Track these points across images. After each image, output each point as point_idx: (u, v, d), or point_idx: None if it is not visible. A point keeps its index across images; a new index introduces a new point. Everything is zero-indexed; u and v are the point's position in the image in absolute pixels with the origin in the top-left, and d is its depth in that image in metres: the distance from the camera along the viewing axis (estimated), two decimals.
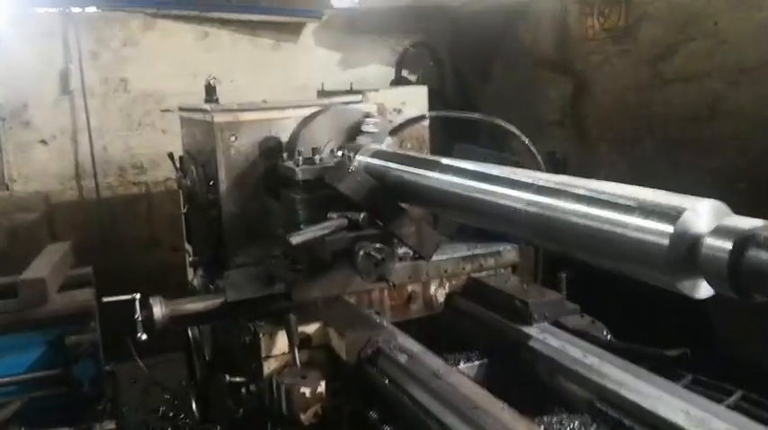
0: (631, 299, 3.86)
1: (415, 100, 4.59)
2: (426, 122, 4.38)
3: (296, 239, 2.86)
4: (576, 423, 2.50)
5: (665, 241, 1.67)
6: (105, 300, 3.24)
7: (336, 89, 5.39)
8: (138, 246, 6.33)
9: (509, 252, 3.68)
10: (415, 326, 3.42)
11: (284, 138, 3.86)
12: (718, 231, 1.61)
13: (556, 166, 4.19)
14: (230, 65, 6.14)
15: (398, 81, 6.52)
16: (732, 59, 3.97)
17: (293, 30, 6.47)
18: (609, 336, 2.98)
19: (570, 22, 5.26)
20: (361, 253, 2.88)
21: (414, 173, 2.83)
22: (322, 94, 5.47)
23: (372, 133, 3.64)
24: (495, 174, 2.38)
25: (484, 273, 3.62)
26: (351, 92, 5.05)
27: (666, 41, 4.39)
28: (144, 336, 3.12)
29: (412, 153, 3.20)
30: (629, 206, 1.81)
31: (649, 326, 3.35)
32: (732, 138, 4.04)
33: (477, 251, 3.64)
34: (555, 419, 2.54)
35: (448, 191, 2.56)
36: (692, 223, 1.66)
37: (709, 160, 4.13)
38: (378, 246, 2.90)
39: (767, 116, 3.84)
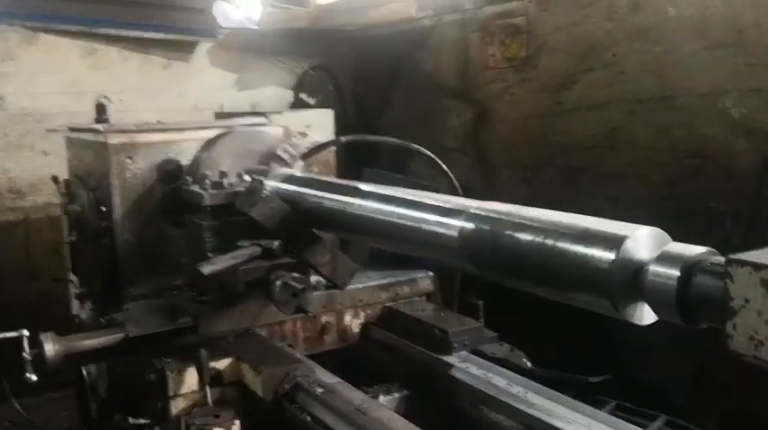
0: (544, 324, 3.90)
1: (320, 123, 4.51)
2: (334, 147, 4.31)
3: (207, 269, 2.68)
4: None
5: (608, 267, 1.65)
6: None
7: (235, 111, 5.23)
8: (13, 278, 5.84)
9: (424, 280, 3.64)
10: (328, 359, 3.29)
11: (184, 161, 3.67)
12: (663, 258, 1.60)
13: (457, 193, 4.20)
14: (119, 83, 5.82)
15: (297, 104, 6.43)
16: (630, 90, 4.13)
17: (186, 48, 6.23)
18: (528, 364, 2.97)
19: (472, 51, 5.33)
20: (278, 283, 2.74)
21: (333, 199, 2.73)
22: (221, 115, 5.29)
23: (284, 158, 3.52)
24: (425, 200, 2.32)
25: (400, 302, 3.54)
26: (253, 114, 4.91)
27: (567, 71, 4.51)
28: (34, 377, 2.83)
29: (328, 178, 3.09)
30: (571, 234, 1.79)
31: (563, 352, 3.36)
32: (630, 166, 4.19)
33: (393, 279, 3.57)
34: None
35: (373, 218, 2.47)
36: (635, 250, 1.66)
37: (609, 188, 4.25)
38: (296, 275, 2.77)
39: (662, 146, 4.00)
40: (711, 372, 3.66)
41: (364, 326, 3.49)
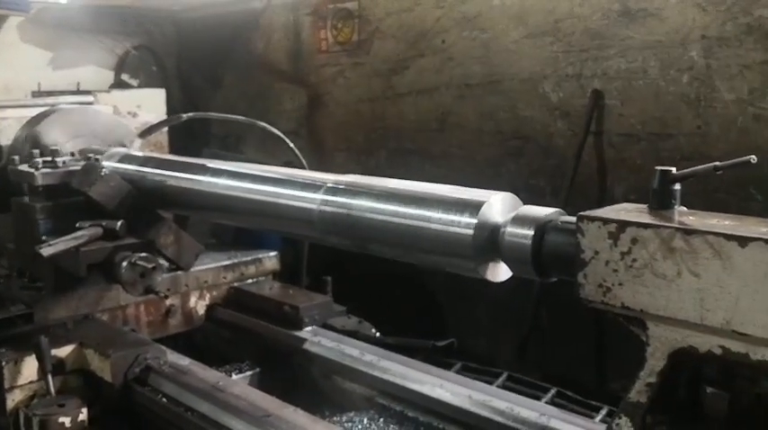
0: (384, 296, 4.04)
1: (151, 103, 4.34)
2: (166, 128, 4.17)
3: (47, 251, 2.52)
4: (365, 420, 2.53)
5: (469, 232, 1.77)
6: None
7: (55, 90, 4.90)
8: None
9: (270, 259, 3.64)
10: (172, 343, 3.20)
11: (3, 141, 3.42)
12: (518, 220, 1.75)
13: None
14: None
15: (119, 85, 6.11)
16: (458, 75, 4.35)
17: None
18: (377, 334, 3.07)
19: (304, 34, 5.36)
20: (125, 263, 2.63)
21: (180, 177, 2.67)
22: (39, 94, 4.94)
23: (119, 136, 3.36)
24: (282, 176, 2.34)
25: (246, 282, 3.52)
26: (78, 92, 4.64)
27: (398, 56, 4.67)
28: None
29: (172, 157, 3.00)
30: (429, 201, 1.90)
31: (404, 320, 3.52)
32: (458, 148, 4.42)
33: (238, 259, 3.54)
34: (344, 418, 2.54)
35: (226, 195, 2.45)
36: (491, 214, 1.79)
37: (439, 168, 4.46)
38: (143, 255, 2.68)
39: (488, 128, 4.27)
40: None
41: (210, 308, 3.44)
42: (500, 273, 1.84)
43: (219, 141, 6.05)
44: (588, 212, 1.57)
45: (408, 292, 4.46)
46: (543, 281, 1.77)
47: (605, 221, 1.52)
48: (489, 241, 1.77)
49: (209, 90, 6.34)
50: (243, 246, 3.69)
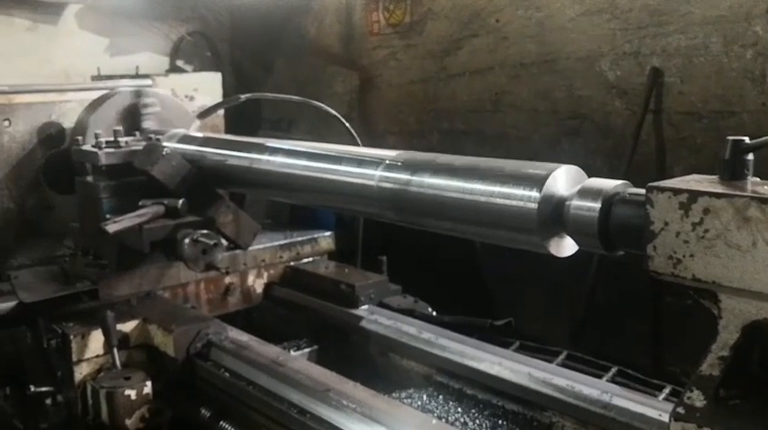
0: (437, 276, 4.04)
1: (208, 87, 4.41)
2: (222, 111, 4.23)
3: (112, 228, 2.58)
4: (424, 396, 2.54)
5: (534, 206, 1.75)
6: None
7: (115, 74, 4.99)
8: None
9: (325, 239, 3.67)
10: (231, 321, 3.26)
11: (67, 124, 3.50)
12: (584, 193, 1.72)
13: None
14: None
15: (173, 70, 6.19)
16: (513, 54, 4.31)
17: (53, 10, 5.84)
18: (434, 313, 3.07)
19: (356, 17, 5.36)
20: (187, 240, 2.68)
21: (239, 156, 2.70)
22: (98, 78, 5.04)
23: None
24: (340, 153, 2.34)
25: (301, 262, 3.55)
26: (137, 76, 4.72)
27: (451, 37, 4.64)
28: None
29: (230, 136, 3.04)
30: (491, 175, 1.88)
31: (457, 301, 3.51)
32: (513, 128, 4.38)
33: (294, 239, 3.57)
34: (403, 395, 2.56)
35: (284, 173, 2.47)
36: (555, 187, 1.77)
37: (493, 149, 4.42)
38: (205, 232, 2.73)
39: (543, 108, 4.22)
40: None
41: (267, 286, 3.49)
42: (565, 247, 1.82)
43: (271, 125, 6.10)
44: (658, 183, 1.55)
45: (461, 273, 4.45)
46: (610, 254, 1.74)
47: (676, 192, 1.49)
48: (554, 215, 1.75)
49: (261, 75, 6.39)
50: (298, 226, 3.73)
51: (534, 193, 1.75)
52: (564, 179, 1.79)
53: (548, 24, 4.13)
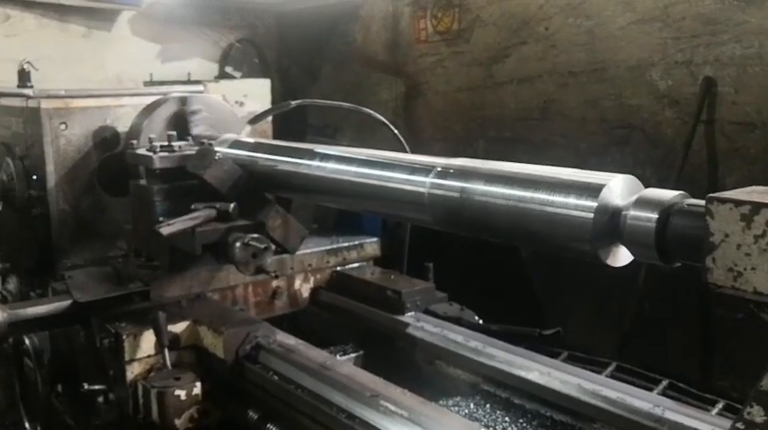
0: (482, 285, 4.03)
1: (258, 93, 4.46)
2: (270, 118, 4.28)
3: (166, 230, 2.63)
4: (471, 405, 2.53)
5: (589, 215, 1.73)
6: None
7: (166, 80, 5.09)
8: None
9: (371, 245, 3.68)
10: (277, 324, 3.29)
11: (121, 128, 3.57)
12: (640, 203, 1.70)
13: None
14: (35, 52, 5.49)
15: (222, 77, 6.30)
16: (562, 63, 4.29)
17: (107, 17, 6.00)
18: (480, 321, 3.06)
19: (402, 25, 5.38)
20: (238, 244, 2.71)
21: (290, 162, 2.73)
22: (151, 84, 5.15)
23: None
24: (389, 160, 2.35)
25: (347, 267, 3.57)
26: (189, 82, 4.81)
27: (499, 45, 4.63)
28: None
29: (280, 142, 3.07)
30: (546, 184, 1.87)
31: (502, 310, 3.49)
32: (561, 136, 4.36)
33: (340, 244, 3.60)
34: (450, 403, 2.55)
35: (335, 179, 2.49)
36: (611, 196, 1.75)
37: (540, 158, 4.36)
38: (255, 236, 2.76)
39: (592, 117, 4.19)
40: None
41: (314, 291, 3.51)
42: (620, 257, 1.80)
43: (317, 131, 6.15)
44: (718, 194, 1.52)
45: (507, 281, 4.43)
46: (666, 266, 1.72)
47: (737, 203, 1.47)
48: (610, 225, 1.73)
49: (307, 82, 6.46)
50: (344, 231, 3.75)
51: (590, 203, 1.74)
52: (620, 188, 1.77)
53: (597, 33, 4.10)
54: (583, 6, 4.15)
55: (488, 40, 4.72)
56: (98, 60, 5.94)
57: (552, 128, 4.41)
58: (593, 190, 1.76)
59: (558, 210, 1.81)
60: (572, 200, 1.78)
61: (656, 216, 1.65)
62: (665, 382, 2.46)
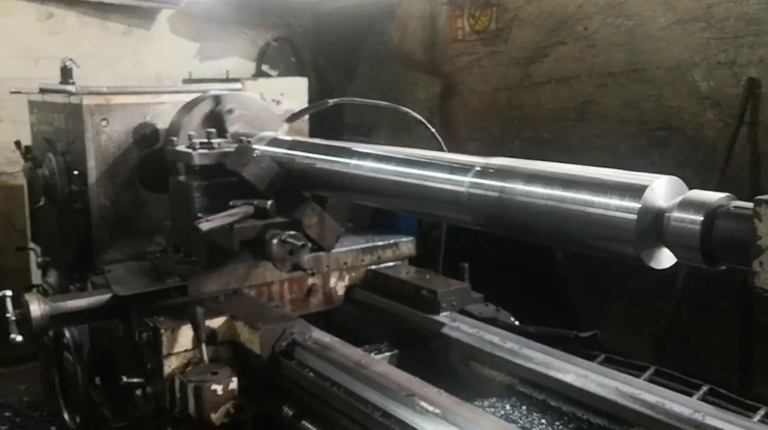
0: (517, 286, 4.00)
1: (295, 91, 4.50)
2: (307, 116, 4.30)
3: (206, 226, 2.66)
4: (507, 406, 2.52)
5: (632, 216, 1.71)
6: None
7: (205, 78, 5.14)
8: None
9: (406, 244, 3.68)
10: (313, 321, 3.31)
11: (160, 125, 3.61)
12: (685, 204, 1.67)
13: None
14: (76, 50, 5.58)
15: (259, 75, 6.35)
16: (601, 63, 4.24)
17: (147, 15, 6.09)
18: (516, 322, 3.04)
19: (440, 24, 5.37)
20: (275, 241, 2.73)
21: (328, 160, 2.74)
22: (189, 81, 5.20)
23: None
24: (429, 159, 2.35)
25: (382, 266, 3.58)
26: (228, 80, 4.86)
27: (537, 44, 4.60)
28: (19, 338, 2.77)
29: (318, 140, 3.08)
30: (588, 184, 1.85)
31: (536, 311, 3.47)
32: (599, 137, 4.31)
33: (376, 243, 3.60)
34: (486, 404, 2.54)
35: (373, 177, 2.49)
36: (655, 198, 1.72)
37: (577, 159, 4.32)
38: (292, 233, 2.77)
39: (631, 118, 4.14)
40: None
41: (348, 289, 3.52)
42: (663, 259, 1.77)
43: (353, 130, 6.17)
44: (767, 197, 1.49)
45: (541, 283, 4.40)
46: (710, 268, 1.69)
47: None
48: (653, 227, 1.70)
49: (343, 80, 6.48)
50: (379, 230, 3.75)
51: (633, 204, 1.72)
52: (663, 190, 1.75)
53: (638, 33, 4.05)
54: (623, 6, 4.10)
55: (526, 39, 4.69)
56: (137, 58, 6.03)
57: (590, 129, 4.36)
58: (637, 191, 1.74)
59: (600, 211, 1.79)
60: (614, 201, 1.76)
61: (701, 218, 1.63)
62: (705, 388, 2.41)
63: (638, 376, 2.49)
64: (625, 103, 4.16)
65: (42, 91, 3.95)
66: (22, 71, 5.51)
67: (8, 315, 2.77)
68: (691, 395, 2.36)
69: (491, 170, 2.11)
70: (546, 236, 1.99)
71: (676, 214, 1.67)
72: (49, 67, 4.63)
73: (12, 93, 4.26)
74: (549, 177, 1.95)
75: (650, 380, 2.49)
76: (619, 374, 2.43)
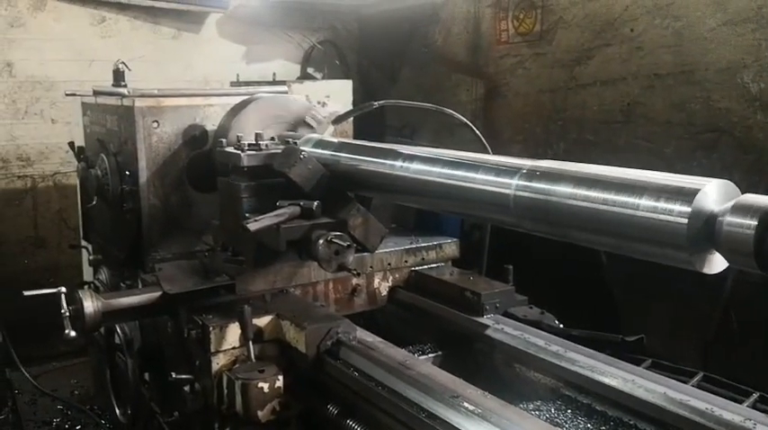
0: (560, 289, 3.98)
1: (340, 94, 4.54)
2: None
3: (254, 226, 2.70)
4: (552, 409, 2.51)
5: (683, 221, 1.69)
6: (27, 293, 2.93)
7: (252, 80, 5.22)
8: (20, 247, 5.80)
9: (450, 245, 3.69)
10: (355, 322, 3.33)
11: (209, 127, 3.68)
12: (738, 209, 1.65)
13: None
14: (128, 53, 5.70)
15: (304, 78, 6.41)
16: (647, 65, 4.20)
17: (196, 19, 6.20)
18: (561, 326, 3.03)
19: (484, 26, 5.37)
20: (321, 241, 2.77)
21: (373, 162, 2.76)
22: (237, 84, 5.29)
23: (311, 124, 3.54)
24: (475, 161, 2.35)
25: (425, 267, 3.59)
26: (274, 83, 4.92)
27: (582, 46, 4.57)
28: (73, 333, 2.85)
29: (363, 142, 3.12)
30: (637, 187, 1.83)
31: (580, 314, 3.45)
32: (645, 140, 4.26)
33: (419, 244, 3.62)
34: (531, 407, 2.54)
35: (418, 179, 2.50)
36: (706, 201, 1.70)
37: (623, 161, 4.29)
38: (338, 233, 2.80)
39: (678, 120, 4.08)
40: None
41: (392, 290, 3.54)
42: (714, 264, 1.75)
43: (396, 132, 6.20)
44: None
45: (587, 286, 4.37)
46: (765, 274, 1.67)
47: None
48: (705, 231, 1.68)
49: (386, 83, 6.51)
50: (423, 231, 3.77)
51: (684, 208, 1.69)
52: (715, 194, 1.72)
53: (686, 34, 4.00)
54: (671, 7, 4.05)
55: (571, 41, 4.66)
56: (186, 61, 6.15)
57: (636, 131, 4.32)
58: (687, 194, 1.72)
59: (651, 215, 1.77)
60: (665, 204, 1.74)
61: (755, 223, 1.60)
62: (755, 395, 2.37)
63: (685, 382, 2.46)
64: (672, 105, 4.11)
65: (95, 93, 4.05)
66: (75, 74, 5.67)
67: (62, 311, 2.86)
68: (741, 402, 2.33)
69: (538, 173, 2.10)
70: (593, 240, 1.97)
71: (729, 218, 1.65)
72: (102, 70, 4.76)
73: (67, 95, 4.38)
74: (596, 180, 1.94)
75: (698, 387, 2.46)
76: (666, 379, 2.41)
